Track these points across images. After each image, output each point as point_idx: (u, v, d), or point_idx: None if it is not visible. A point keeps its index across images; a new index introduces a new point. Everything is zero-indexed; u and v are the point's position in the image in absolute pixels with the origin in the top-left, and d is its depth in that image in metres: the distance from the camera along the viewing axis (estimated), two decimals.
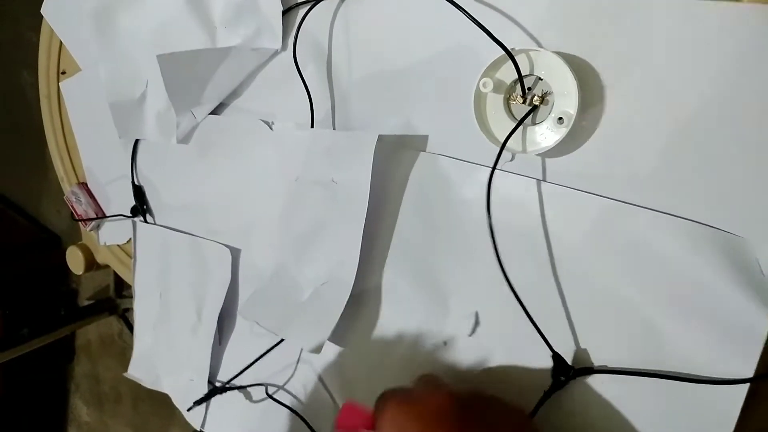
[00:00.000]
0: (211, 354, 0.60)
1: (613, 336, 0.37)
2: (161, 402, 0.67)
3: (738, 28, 0.32)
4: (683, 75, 0.34)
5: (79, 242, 0.80)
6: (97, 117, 0.66)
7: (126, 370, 0.71)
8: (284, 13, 0.51)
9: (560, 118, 0.37)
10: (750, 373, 0.32)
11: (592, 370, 0.37)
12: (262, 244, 0.57)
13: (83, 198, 0.74)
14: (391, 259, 0.48)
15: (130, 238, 0.71)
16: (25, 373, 1.68)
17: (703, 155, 0.34)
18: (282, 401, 0.56)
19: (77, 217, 0.75)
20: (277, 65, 0.54)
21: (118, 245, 0.74)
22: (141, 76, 0.60)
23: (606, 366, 0.37)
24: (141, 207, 0.69)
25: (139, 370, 0.71)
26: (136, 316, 0.72)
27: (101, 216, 0.74)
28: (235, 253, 0.59)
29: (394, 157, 0.47)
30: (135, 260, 0.70)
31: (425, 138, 0.46)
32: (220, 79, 0.55)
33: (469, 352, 0.44)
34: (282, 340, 0.54)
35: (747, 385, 0.33)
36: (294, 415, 0.54)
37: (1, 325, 1.45)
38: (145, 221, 0.69)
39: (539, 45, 0.39)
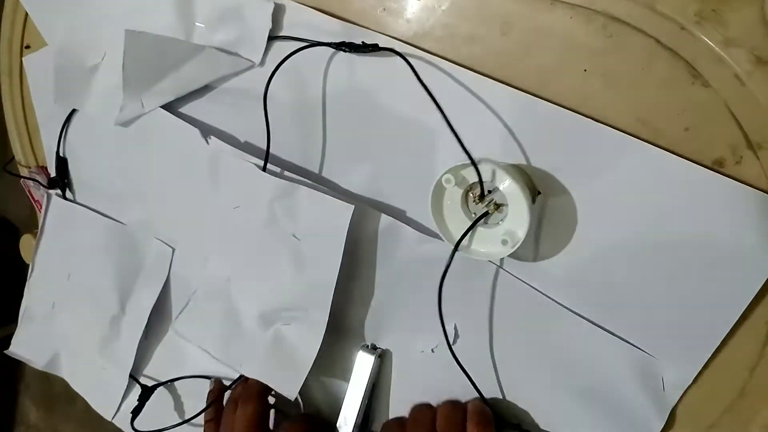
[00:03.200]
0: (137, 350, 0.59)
1: (538, 407, 0.45)
2: None
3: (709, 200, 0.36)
4: (637, 222, 0.39)
5: (35, 230, 0.75)
6: None
7: None
8: (278, 38, 0.49)
9: (505, 240, 0.39)
10: None
11: (520, 429, 0.45)
12: (192, 257, 0.57)
13: (41, 182, 0.69)
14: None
15: None
16: None
17: (641, 288, 0.40)
18: None
19: (33, 203, 0.70)
20: (249, 82, 0.51)
21: None
22: (100, 46, 0.56)
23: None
24: (62, 181, 0.65)
25: (26, 351, 0.68)
26: (28, 291, 0.69)
27: None
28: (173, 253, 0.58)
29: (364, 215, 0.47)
30: (42, 233, 0.67)
31: (399, 210, 0.47)
32: (184, 74, 0.53)
33: (414, 373, 0.49)
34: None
35: None
36: None
37: None
38: (64, 197, 0.65)
39: (512, 160, 0.41)
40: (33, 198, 0.70)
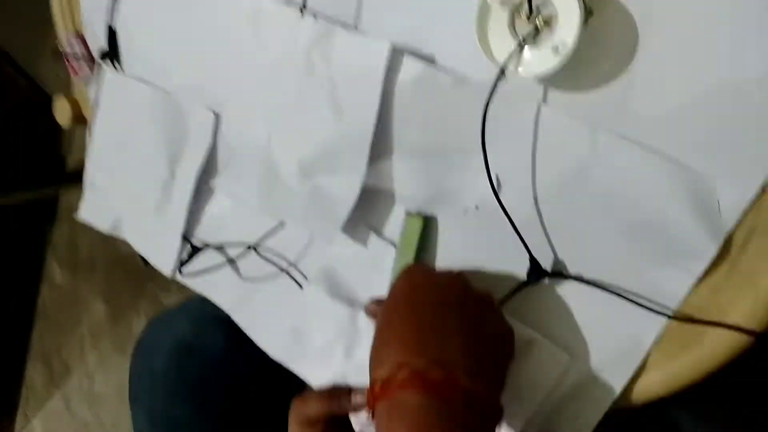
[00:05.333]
0: (187, 211, 0.61)
1: (582, 250, 0.43)
2: (134, 277, 0.68)
3: None
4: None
5: (70, 95, 0.78)
6: None
7: (104, 240, 0.71)
8: None
9: (556, 47, 0.37)
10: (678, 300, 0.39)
11: (561, 275, 0.43)
12: (236, 118, 0.57)
13: (77, 47, 0.72)
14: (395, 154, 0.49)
15: None
16: (6, 229, 1.70)
17: (700, 107, 0.36)
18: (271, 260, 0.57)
19: (68, 66, 0.73)
20: None
21: None
22: None
23: (573, 274, 0.43)
24: (113, 52, 0.66)
25: (92, 215, 0.72)
26: (89, 158, 0.71)
27: (92, 67, 0.72)
28: (216, 117, 0.59)
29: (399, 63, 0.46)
30: (98, 106, 0.69)
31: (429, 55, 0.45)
32: None
33: (459, 234, 0.48)
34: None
35: (664, 320, 0.40)
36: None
37: None
38: (115, 69, 0.67)
39: None
40: (68, 62, 0.73)
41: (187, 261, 0.62)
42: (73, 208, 0.76)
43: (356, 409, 0.47)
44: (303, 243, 0.56)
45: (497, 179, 0.44)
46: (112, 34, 0.66)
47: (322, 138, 0.50)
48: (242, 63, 0.55)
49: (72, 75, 0.73)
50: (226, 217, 0.61)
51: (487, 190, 0.43)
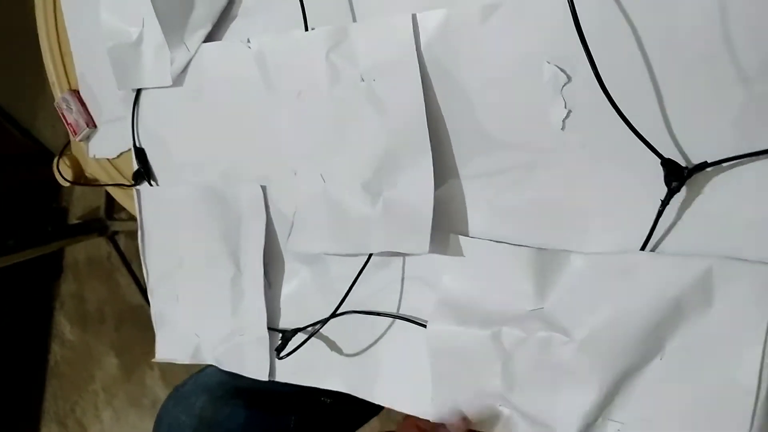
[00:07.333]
0: (264, 298, 0.56)
1: (708, 123, 0.34)
2: (145, 327, 0.65)
3: None
4: None
5: (68, 152, 0.76)
6: (94, 20, 0.61)
7: (112, 292, 0.68)
8: None
9: None
10: None
11: (706, 165, 0.33)
12: (282, 180, 0.54)
13: (74, 106, 0.70)
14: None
15: (121, 153, 0.68)
16: (10, 287, 1.67)
17: None
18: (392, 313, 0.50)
19: (67, 126, 0.71)
20: None
21: (107, 159, 0.71)
22: (139, 13, 0.55)
23: (720, 157, 0.32)
24: (145, 171, 0.63)
25: (170, 351, 0.65)
26: (152, 296, 0.66)
27: (92, 126, 0.70)
28: (263, 190, 0.55)
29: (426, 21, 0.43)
30: (143, 232, 0.64)
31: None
32: None
33: (560, 168, 0.41)
34: (370, 257, 0.49)
35: None
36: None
37: None
38: (150, 185, 0.63)
39: None
40: (66, 122, 0.71)
41: (280, 353, 0.54)
42: (78, 261, 0.73)
43: None
44: (398, 287, 0.50)
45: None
46: (139, 153, 0.63)
47: (374, 145, 0.46)
48: (268, 120, 0.53)
49: (71, 134, 0.71)
50: (306, 292, 0.55)
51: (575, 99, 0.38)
